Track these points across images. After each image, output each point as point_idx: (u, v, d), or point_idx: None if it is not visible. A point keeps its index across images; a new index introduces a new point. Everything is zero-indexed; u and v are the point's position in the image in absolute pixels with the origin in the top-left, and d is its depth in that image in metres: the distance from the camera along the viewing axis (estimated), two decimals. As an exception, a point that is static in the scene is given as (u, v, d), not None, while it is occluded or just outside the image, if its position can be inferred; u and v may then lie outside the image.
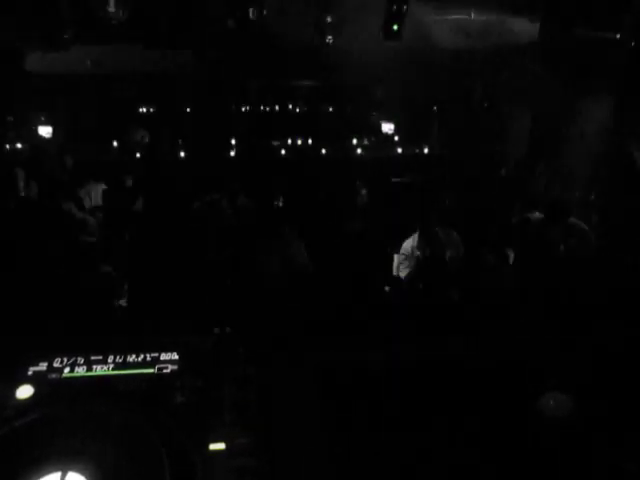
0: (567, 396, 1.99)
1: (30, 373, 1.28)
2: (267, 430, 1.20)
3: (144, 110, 11.59)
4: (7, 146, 9.81)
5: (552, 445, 1.86)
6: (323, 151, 11.02)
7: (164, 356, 1.36)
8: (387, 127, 12.19)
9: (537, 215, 5.60)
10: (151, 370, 1.32)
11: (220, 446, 1.12)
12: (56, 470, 1.02)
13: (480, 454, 1.77)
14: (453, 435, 1.67)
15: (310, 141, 11.56)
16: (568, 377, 2.04)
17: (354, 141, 11.69)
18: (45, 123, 10.53)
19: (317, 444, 1.27)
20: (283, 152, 10.93)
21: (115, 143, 10.57)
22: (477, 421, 1.75)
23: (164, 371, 1.31)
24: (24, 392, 1.21)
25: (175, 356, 1.36)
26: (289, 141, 11.47)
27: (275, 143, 11.40)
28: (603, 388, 2.12)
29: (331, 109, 12.51)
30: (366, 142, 11.79)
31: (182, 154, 10.33)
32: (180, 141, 10.69)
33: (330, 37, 9.26)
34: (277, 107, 12.27)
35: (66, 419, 1.14)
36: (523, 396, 1.90)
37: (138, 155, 9.99)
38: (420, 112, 11.77)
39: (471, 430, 1.72)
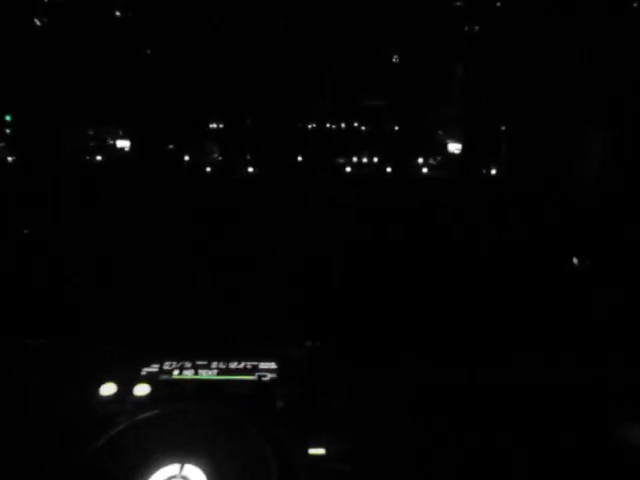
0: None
1: (144, 374, 1.37)
2: (362, 437, 1.22)
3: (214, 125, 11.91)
4: (87, 157, 10.32)
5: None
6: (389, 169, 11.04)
7: (263, 365, 1.42)
8: (454, 147, 12.09)
9: None
10: (252, 377, 1.38)
11: (320, 451, 1.15)
12: (175, 462, 1.08)
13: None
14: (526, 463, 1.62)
15: (375, 159, 11.61)
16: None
17: (420, 160, 11.65)
18: (123, 137, 11.02)
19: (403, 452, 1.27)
20: (348, 169, 11.01)
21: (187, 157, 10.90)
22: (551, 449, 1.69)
23: (263, 379, 1.38)
24: (141, 390, 1.32)
25: (273, 365, 1.42)
26: (354, 159, 11.56)
27: (341, 160, 11.52)
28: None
29: (397, 128, 12.56)
30: (432, 161, 11.73)
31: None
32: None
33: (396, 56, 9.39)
34: (343, 125, 12.46)
35: (181, 416, 1.21)
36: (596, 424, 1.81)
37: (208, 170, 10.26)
38: (489, 130, 11.63)
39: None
